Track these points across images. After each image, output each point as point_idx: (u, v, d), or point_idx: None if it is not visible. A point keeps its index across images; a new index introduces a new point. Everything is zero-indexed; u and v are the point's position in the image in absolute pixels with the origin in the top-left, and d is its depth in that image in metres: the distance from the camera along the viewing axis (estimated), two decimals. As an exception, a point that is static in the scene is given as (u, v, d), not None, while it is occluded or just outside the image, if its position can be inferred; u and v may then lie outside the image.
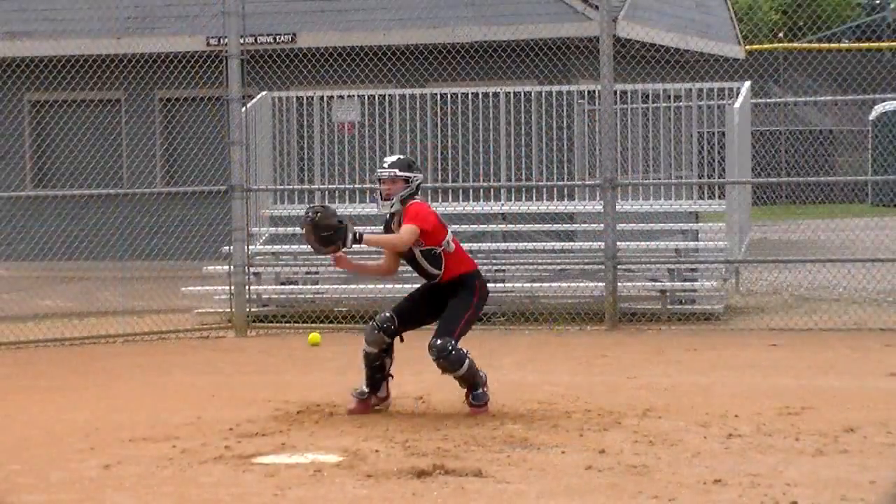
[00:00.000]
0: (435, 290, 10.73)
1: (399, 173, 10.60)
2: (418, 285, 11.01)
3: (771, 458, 9.03)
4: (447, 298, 10.67)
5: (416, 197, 10.71)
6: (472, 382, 10.61)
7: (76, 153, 23.48)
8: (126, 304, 18.05)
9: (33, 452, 9.56)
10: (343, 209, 18.52)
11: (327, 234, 10.53)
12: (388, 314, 10.69)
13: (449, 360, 10.47)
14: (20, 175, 24.35)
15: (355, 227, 10.52)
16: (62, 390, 12.72)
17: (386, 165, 10.68)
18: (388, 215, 10.75)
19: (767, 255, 20.39)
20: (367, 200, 18.37)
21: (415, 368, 11.60)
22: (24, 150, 24.41)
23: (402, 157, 10.89)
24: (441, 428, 10.05)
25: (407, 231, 10.52)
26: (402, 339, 10.76)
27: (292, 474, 8.69)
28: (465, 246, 17.19)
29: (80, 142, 23.20)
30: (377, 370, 10.72)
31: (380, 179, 10.66)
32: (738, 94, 18.01)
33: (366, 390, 10.75)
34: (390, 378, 10.83)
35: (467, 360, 10.51)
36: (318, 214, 10.55)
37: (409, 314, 10.74)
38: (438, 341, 10.46)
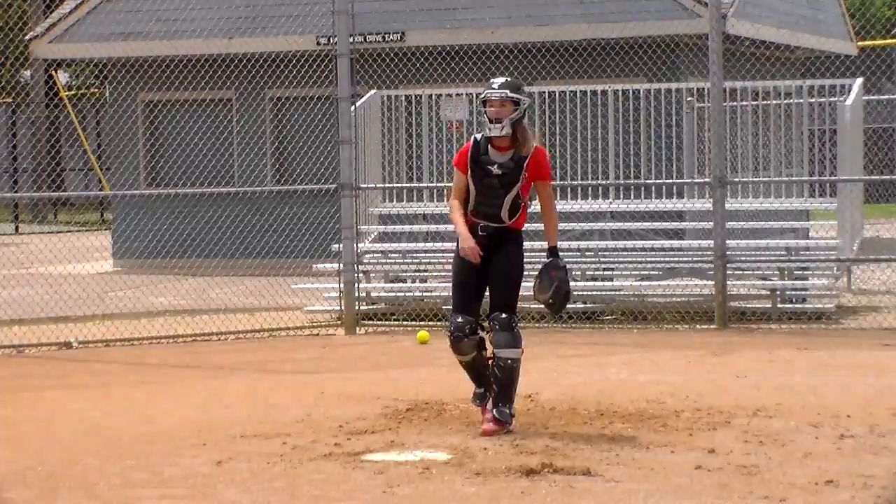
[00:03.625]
0: (482, 247, 9.95)
1: (510, 94, 9.92)
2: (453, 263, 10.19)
3: (885, 459, 8.93)
4: (493, 253, 9.97)
5: (528, 127, 10.05)
6: (511, 388, 10.00)
7: (188, 152, 23.76)
8: (237, 302, 18.25)
9: (147, 448, 9.71)
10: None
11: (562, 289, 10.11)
12: (458, 320, 10.02)
13: (513, 335, 9.91)
14: (134, 174, 24.69)
15: (559, 262, 10.05)
16: (175, 387, 12.90)
17: (496, 86, 9.97)
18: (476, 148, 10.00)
19: (880, 254, 20.12)
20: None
21: (522, 367, 11.60)
22: (137, 149, 24.75)
23: (510, 78, 10.23)
24: (549, 426, 10.05)
25: (550, 192, 10.03)
26: (484, 329, 10.09)
27: (401, 472, 8.74)
28: (574, 244, 17.25)
29: (193, 141, 23.48)
30: (480, 367, 10.17)
31: (486, 102, 9.99)
32: (849, 91, 17.80)
33: (480, 390, 10.21)
34: (491, 362, 10.17)
35: (521, 349, 10.03)
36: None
37: (468, 296, 10.04)
38: (503, 315, 9.90)
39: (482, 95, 10.06)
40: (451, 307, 10.25)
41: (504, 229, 10.01)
